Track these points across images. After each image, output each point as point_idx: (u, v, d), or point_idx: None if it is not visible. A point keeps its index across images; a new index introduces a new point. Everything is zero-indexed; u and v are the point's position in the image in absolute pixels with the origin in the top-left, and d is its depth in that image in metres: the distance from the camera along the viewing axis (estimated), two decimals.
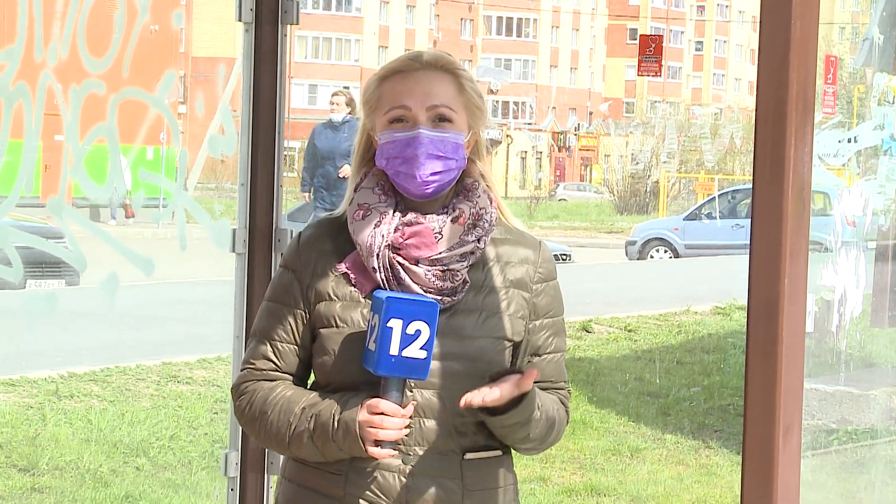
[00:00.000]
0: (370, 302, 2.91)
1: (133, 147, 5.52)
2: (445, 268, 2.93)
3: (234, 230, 4.44)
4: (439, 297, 2.92)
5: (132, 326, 13.86)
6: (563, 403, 3.07)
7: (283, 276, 3.03)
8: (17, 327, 12.07)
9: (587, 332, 15.02)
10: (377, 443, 2.86)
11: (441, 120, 2.96)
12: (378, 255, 2.93)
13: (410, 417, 2.89)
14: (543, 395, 2.99)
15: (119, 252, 5.17)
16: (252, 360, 3.02)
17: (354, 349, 2.91)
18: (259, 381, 3.00)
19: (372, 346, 2.84)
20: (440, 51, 3.05)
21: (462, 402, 2.85)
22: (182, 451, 9.12)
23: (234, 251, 4.44)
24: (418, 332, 2.82)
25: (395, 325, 2.81)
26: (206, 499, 8.28)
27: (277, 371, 3.00)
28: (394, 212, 2.97)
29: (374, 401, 2.85)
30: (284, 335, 2.99)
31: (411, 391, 2.90)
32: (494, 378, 2.89)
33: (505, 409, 2.88)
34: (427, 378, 2.86)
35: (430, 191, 2.95)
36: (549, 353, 3.04)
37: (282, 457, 3.12)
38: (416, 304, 2.83)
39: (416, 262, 2.93)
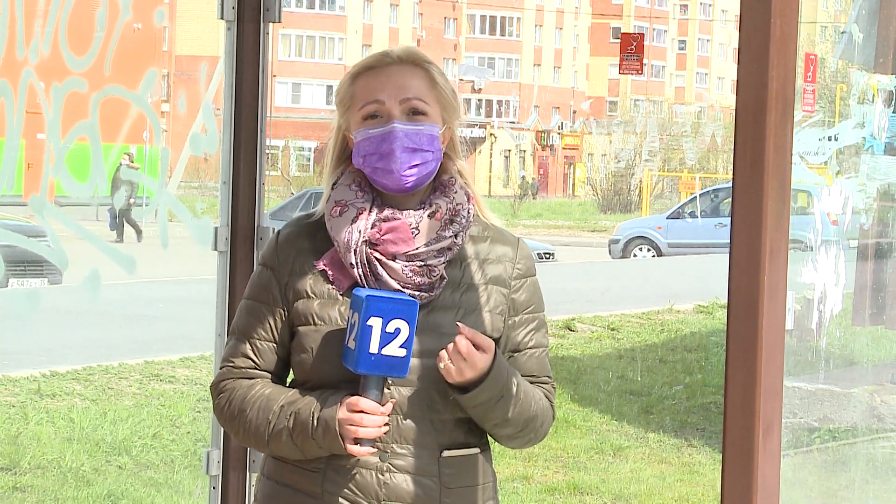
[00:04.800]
0: (348, 299, 2.92)
1: (115, 145, 5.51)
2: (423, 263, 2.94)
3: (216, 228, 4.44)
4: (417, 293, 2.92)
5: (114, 325, 13.84)
6: (547, 398, 3.07)
7: (262, 274, 3.03)
8: None
9: (570, 330, 15.04)
10: (357, 441, 2.86)
11: (415, 113, 2.97)
12: (355, 250, 2.94)
13: (388, 415, 2.89)
14: (526, 382, 2.99)
15: (101, 250, 5.17)
16: (231, 359, 3.02)
17: (333, 347, 2.91)
18: (238, 379, 3.01)
19: (351, 345, 2.85)
20: (411, 46, 3.07)
21: (440, 360, 2.85)
22: (164, 450, 9.11)
23: (216, 249, 4.44)
24: (398, 331, 2.82)
25: (375, 323, 2.81)
26: (189, 497, 8.27)
27: (256, 369, 3.01)
28: (371, 208, 2.98)
29: (354, 399, 2.86)
30: (263, 333, 3.00)
31: (389, 389, 2.91)
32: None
33: (474, 384, 2.88)
34: (406, 376, 2.87)
35: (409, 184, 2.96)
36: (529, 348, 3.04)
37: (262, 454, 3.12)
38: (396, 302, 2.83)
39: (394, 257, 2.94)
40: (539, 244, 28.28)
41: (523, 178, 59.93)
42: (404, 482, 2.93)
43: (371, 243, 2.94)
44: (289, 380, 3.06)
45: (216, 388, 3.04)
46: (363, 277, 2.93)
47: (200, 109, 5.06)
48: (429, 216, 2.96)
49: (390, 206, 2.98)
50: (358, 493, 2.93)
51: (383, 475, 2.93)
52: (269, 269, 3.02)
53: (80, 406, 10.09)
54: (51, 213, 5.12)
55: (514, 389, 2.94)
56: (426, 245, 2.95)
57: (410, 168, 2.94)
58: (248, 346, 3.01)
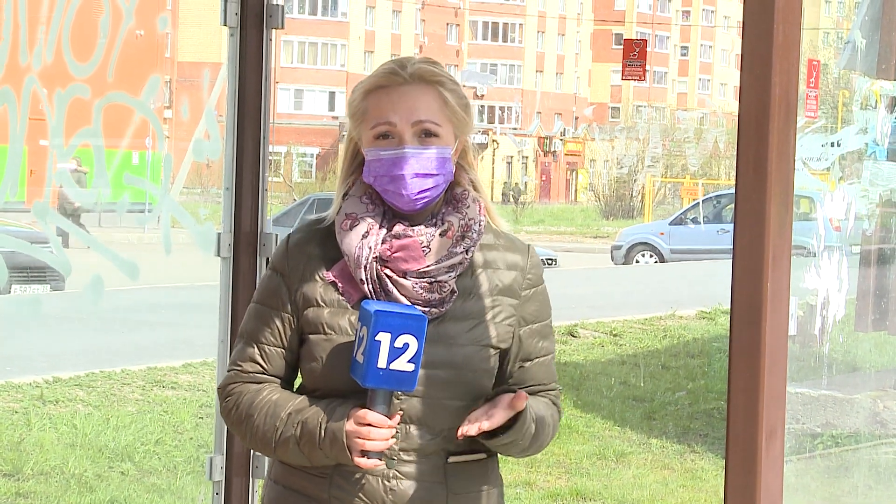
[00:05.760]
0: (357, 310, 2.91)
1: (118, 151, 5.51)
2: (433, 280, 2.93)
3: (218, 234, 4.44)
4: (426, 309, 2.92)
5: (117, 331, 13.84)
6: (554, 404, 3.10)
7: (272, 278, 3.03)
8: (1, 332, 12.07)
9: (573, 336, 15.03)
10: (364, 453, 2.86)
11: (427, 135, 2.94)
12: (365, 266, 2.93)
13: (396, 426, 2.90)
14: (535, 401, 3.00)
15: (104, 256, 5.17)
16: (239, 362, 3.02)
17: (342, 358, 2.91)
18: (246, 383, 3.01)
19: (360, 358, 2.84)
20: (424, 59, 3.02)
21: (459, 434, 2.87)
22: (167, 456, 9.11)
23: (219, 255, 4.44)
24: (406, 346, 2.82)
25: (384, 338, 2.80)
26: (192, 503, 8.27)
27: (264, 373, 3.01)
28: (381, 222, 2.97)
29: (362, 412, 2.86)
30: (272, 338, 2.99)
31: (399, 399, 2.91)
32: (487, 399, 2.91)
33: (500, 430, 2.90)
34: (414, 390, 2.88)
35: (419, 207, 2.95)
36: (539, 357, 3.05)
37: (268, 459, 3.12)
38: (405, 317, 2.82)
39: (404, 274, 2.93)
40: (541, 250, 28.27)
41: (505, 183, 60.04)
42: (411, 488, 2.94)
43: (381, 260, 2.93)
44: (296, 383, 3.06)
45: (223, 391, 3.04)
46: (373, 293, 2.93)
47: (203, 115, 5.06)
48: (440, 234, 2.95)
49: (401, 219, 2.97)
50: (365, 499, 2.93)
51: (390, 481, 2.93)
52: (278, 273, 3.01)
53: (82, 412, 10.09)
54: (53, 220, 5.13)
55: (534, 428, 2.96)
56: (437, 262, 2.94)
57: (421, 192, 2.93)
58: (256, 350, 3.01)
